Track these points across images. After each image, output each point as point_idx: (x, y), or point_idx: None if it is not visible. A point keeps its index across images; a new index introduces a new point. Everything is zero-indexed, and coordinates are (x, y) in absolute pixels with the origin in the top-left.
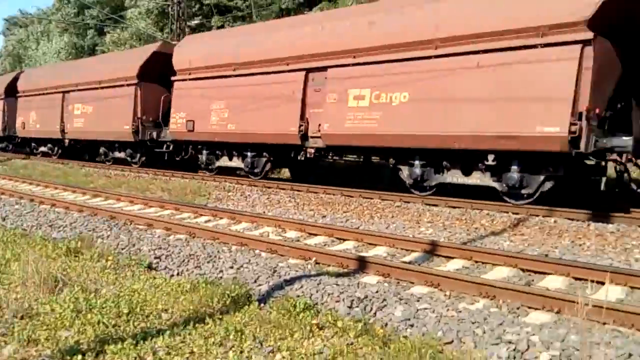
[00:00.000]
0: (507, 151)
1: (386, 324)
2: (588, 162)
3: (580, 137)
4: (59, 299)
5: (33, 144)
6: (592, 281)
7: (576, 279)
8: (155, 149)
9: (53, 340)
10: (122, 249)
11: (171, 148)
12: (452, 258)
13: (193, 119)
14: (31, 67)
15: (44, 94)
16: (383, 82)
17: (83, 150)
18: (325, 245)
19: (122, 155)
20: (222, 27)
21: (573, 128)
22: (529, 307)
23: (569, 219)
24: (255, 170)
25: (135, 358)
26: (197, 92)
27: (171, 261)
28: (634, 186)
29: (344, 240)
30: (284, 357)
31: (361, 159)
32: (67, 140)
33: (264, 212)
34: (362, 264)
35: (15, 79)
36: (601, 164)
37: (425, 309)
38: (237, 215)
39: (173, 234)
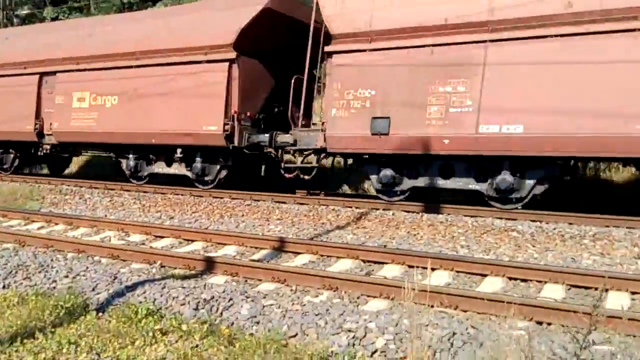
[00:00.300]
0: (190, 146)
1: (232, 323)
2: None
3: (233, 134)
4: None
5: None
6: (425, 268)
7: (410, 266)
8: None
9: None
10: None
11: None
12: (300, 253)
13: None
14: None
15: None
16: (99, 86)
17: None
18: (172, 247)
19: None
20: (56, 18)
21: (226, 127)
22: (368, 296)
23: (405, 211)
24: (5, 166)
25: None
26: None
27: None
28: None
29: (192, 241)
30: None
31: None
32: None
33: (105, 216)
34: (210, 265)
35: None
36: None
37: (271, 305)
38: (75, 220)
39: None
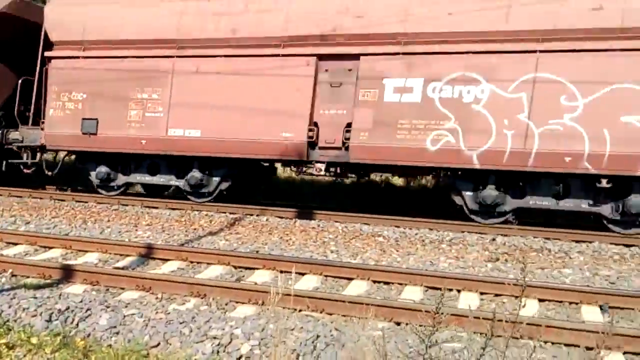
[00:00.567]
0: None
1: (89, 335)
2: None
3: None
4: None
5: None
6: (296, 273)
7: (281, 272)
8: None
9: None
10: None
11: None
12: (168, 260)
13: None
14: None
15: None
16: None
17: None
18: (26, 255)
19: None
20: None
21: None
22: (237, 302)
23: (278, 217)
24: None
25: None
26: None
27: None
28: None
29: (50, 248)
30: None
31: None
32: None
33: None
34: (68, 273)
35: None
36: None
37: (133, 314)
38: None
39: None
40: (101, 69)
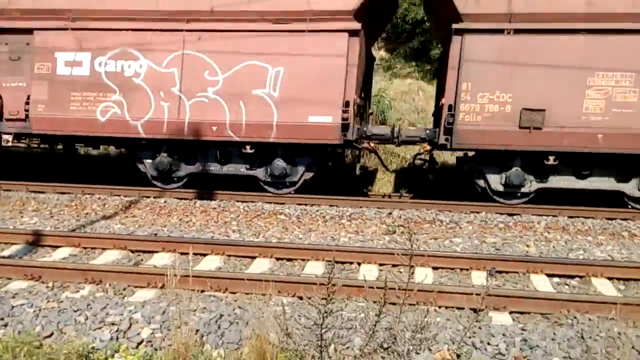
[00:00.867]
0: None
1: None
2: None
3: None
4: None
5: None
6: (198, 254)
7: (182, 254)
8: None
9: None
10: None
11: None
12: (59, 247)
13: None
14: None
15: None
16: None
17: None
18: None
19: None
20: None
21: None
22: (136, 287)
23: (178, 198)
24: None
25: None
26: None
27: None
28: None
29: None
30: None
31: None
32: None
33: None
34: None
35: None
36: None
37: (23, 304)
38: None
39: None
40: None
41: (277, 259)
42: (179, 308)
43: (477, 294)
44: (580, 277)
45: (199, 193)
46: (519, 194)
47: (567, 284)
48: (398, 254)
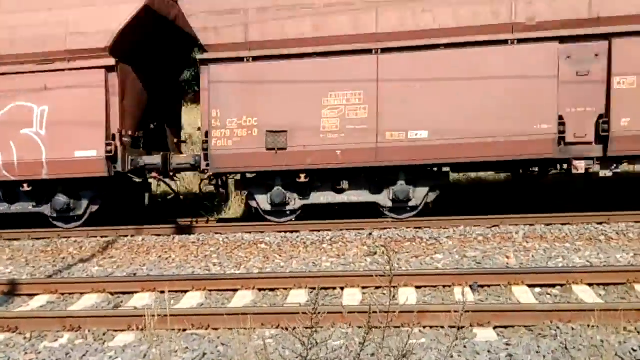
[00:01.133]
0: None
1: None
2: None
3: None
4: None
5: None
6: (178, 292)
7: (162, 292)
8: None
9: None
10: None
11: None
12: (36, 295)
13: None
14: None
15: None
16: None
17: None
18: None
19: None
20: None
21: None
22: (116, 330)
23: (156, 235)
24: None
25: None
26: None
27: None
28: None
29: None
30: None
31: None
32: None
33: None
34: None
35: None
36: None
37: None
38: None
39: None
40: None
41: (260, 289)
42: (159, 350)
43: (455, 311)
44: (561, 285)
45: (177, 228)
46: (287, 212)
47: (548, 294)
48: (376, 276)
